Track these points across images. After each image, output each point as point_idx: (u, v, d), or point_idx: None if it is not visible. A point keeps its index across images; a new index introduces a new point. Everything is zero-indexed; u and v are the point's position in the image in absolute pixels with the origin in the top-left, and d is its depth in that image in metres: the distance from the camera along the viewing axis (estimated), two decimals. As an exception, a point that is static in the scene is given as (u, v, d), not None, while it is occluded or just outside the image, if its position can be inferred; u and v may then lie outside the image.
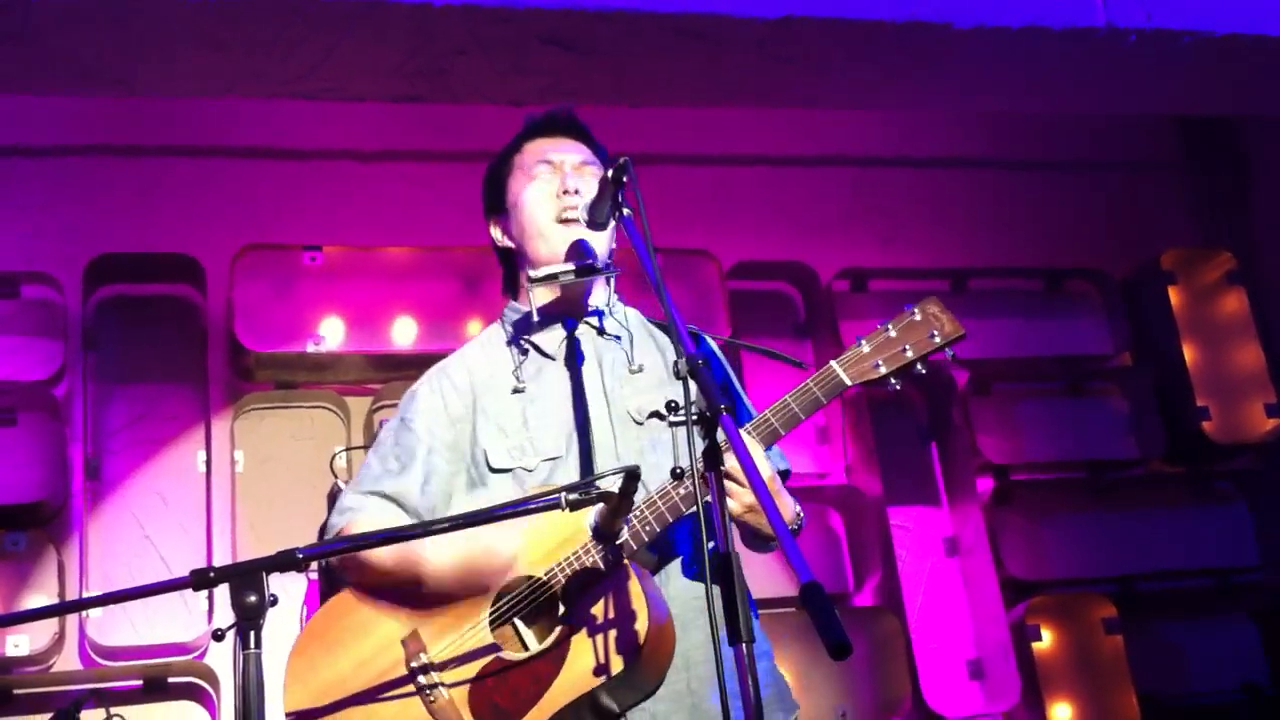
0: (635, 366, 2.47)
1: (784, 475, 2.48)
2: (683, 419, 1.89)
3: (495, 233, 2.62)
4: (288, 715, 2.30)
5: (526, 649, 2.24)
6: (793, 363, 2.41)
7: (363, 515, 2.40)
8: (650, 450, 2.37)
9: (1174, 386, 5.28)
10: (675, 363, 1.92)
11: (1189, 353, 5.32)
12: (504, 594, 2.28)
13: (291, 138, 4.93)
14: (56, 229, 4.70)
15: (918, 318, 2.33)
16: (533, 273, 2.45)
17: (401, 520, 2.40)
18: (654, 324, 2.59)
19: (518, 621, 2.27)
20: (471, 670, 2.24)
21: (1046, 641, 4.93)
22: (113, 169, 4.82)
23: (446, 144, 4.93)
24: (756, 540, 2.38)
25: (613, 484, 2.04)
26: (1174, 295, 5.40)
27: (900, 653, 4.73)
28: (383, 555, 2.32)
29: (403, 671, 2.28)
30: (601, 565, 2.20)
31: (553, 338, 2.50)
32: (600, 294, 2.54)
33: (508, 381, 2.46)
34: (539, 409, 2.42)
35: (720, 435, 1.85)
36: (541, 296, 2.48)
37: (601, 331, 2.51)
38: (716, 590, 2.19)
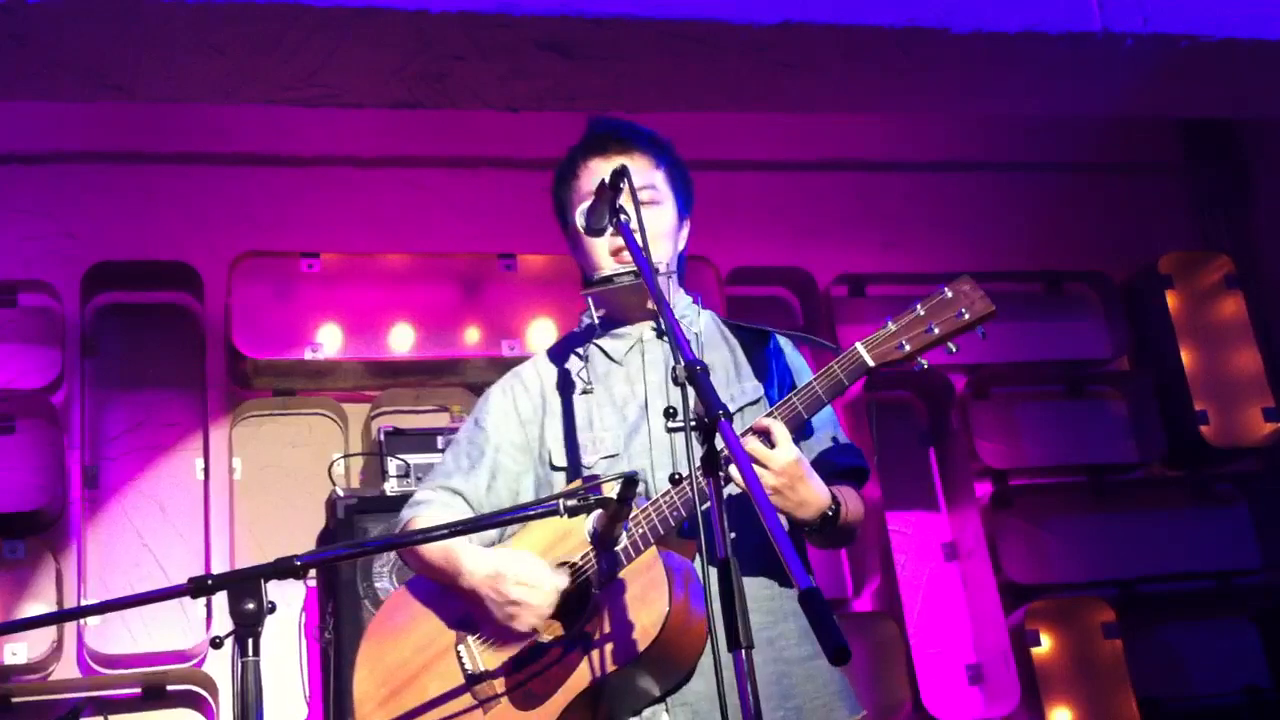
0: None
1: (855, 472, 2.50)
2: (680, 425, 1.90)
3: (571, 248, 2.64)
4: (356, 696, 2.43)
5: (558, 634, 2.30)
6: (826, 346, 2.43)
7: (428, 509, 2.51)
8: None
9: (1171, 390, 5.27)
10: (673, 369, 1.93)
11: (1186, 357, 5.31)
12: None
13: (289, 144, 4.92)
14: (54, 236, 4.70)
15: (948, 295, 2.31)
16: (585, 285, 2.52)
17: (465, 515, 2.48)
18: (728, 325, 2.63)
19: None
20: (509, 654, 2.33)
21: (1046, 646, 4.93)
22: (110, 176, 4.81)
23: (444, 149, 4.91)
24: (804, 533, 2.37)
25: (612, 490, 2.05)
26: (1171, 299, 5.39)
27: (899, 658, 4.73)
28: (433, 555, 2.41)
29: (451, 656, 2.38)
30: (632, 552, 2.24)
31: (620, 344, 2.55)
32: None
33: (577, 384, 2.54)
34: (603, 410, 2.49)
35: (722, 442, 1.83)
36: (605, 303, 2.54)
37: (663, 334, 2.53)
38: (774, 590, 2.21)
